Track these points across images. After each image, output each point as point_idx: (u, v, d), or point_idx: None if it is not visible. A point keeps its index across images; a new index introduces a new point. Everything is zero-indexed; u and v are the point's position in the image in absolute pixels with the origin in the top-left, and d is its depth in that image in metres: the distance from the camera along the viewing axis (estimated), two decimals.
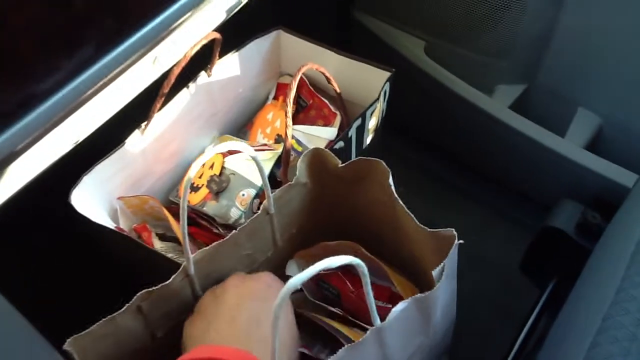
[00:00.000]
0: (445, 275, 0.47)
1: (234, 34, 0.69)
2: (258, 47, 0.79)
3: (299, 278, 0.34)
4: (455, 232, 0.48)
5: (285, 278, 0.51)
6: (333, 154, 0.56)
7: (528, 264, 0.83)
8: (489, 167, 0.98)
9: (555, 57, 0.89)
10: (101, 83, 0.45)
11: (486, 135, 0.93)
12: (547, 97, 0.95)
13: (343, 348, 0.41)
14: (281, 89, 0.84)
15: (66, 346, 0.44)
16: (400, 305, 0.44)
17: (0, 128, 0.41)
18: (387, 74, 0.73)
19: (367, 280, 0.39)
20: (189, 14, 0.50)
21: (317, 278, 0.62)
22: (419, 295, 0.45)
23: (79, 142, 0.54)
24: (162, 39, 0.49)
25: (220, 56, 0.72)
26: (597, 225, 0.74)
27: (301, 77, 0.81)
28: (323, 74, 0.73)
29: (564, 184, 0.87)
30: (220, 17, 0.62)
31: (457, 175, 1.02)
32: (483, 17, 0.90)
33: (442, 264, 0.46)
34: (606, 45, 0.84)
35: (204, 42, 0.64)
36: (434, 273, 0.46)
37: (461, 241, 0.48)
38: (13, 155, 0.43)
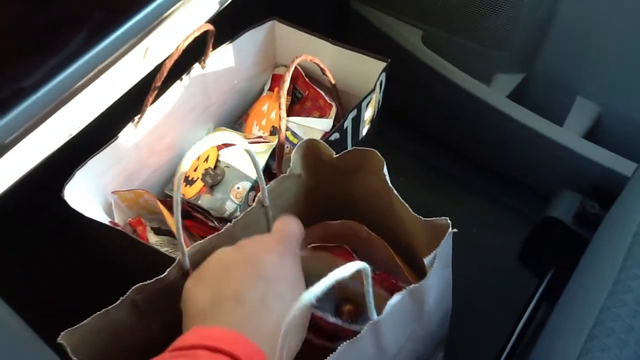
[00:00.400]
0: (438, 264, 0.47)
1: (227, 25, 0.68)
2: (252, 38, 0.78)
3: (312, 293, 0.33)
4: (449, 221, 0.47)
5: None
6: (327, 145, 0.55)
7: (526, 254, 0.82)
8: (487, 157, 0.98)
9: (553, 46, 0.88)
10: (90, 75, 0.44)
11: (484, 125, 0.93)
12: (545, 86, 0.94)
13: (343, 344, 0.41)
14: (276, 80, 0.83)
15: (60, 339, 0.44)
16: (394, 299, 0.44)
17: None
18: (383, 64, 0.72)
19: (369, 280, 0.39)
20: (179, 3, 0.49)
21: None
22: (412, 286, 0.45)
23: (71, 136, 0.54)
24: (153, 29, 0.48)
25: (214, 48, 0.71)
26: (596, 215, 0.74)
27: (297, 68, 0.81)
28: (317, 65, 0.72)
29: (562, 173, 0.87)
30: (213, 8, 0.62)
31: (455, 165, 1.01)
32: (481, 6, 0.89)
33: (434, 252, 0.46)
34: (604, 34, 0.83)
35: (197, 34, 0.63)
36: (426, 261, 0.46)
37: (455, 230, 0.47)
38: (2, 149, 0.43)
